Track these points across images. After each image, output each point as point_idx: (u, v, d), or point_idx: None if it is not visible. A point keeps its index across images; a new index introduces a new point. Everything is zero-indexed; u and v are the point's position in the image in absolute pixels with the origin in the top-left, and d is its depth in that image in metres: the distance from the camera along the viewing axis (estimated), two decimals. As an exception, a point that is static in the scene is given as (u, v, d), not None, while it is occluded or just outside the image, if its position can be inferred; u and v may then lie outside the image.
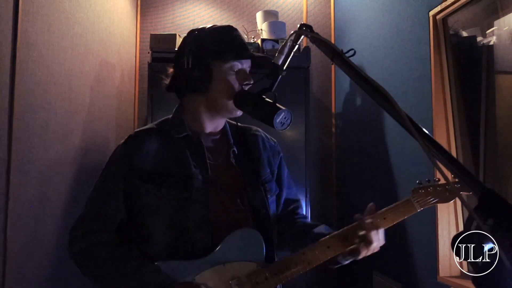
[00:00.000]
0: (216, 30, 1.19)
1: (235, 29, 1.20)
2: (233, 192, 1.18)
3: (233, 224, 1.14)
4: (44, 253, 1.63)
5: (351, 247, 1.08)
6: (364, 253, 1.06)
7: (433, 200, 1.17)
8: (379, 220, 1.10)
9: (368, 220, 1.08)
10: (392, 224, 1.13)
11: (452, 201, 1.21)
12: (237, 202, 1.18)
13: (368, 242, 1.05)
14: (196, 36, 1.17)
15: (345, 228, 1.12)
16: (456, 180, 1.16)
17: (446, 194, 1.18)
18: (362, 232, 1.06)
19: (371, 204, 1.15)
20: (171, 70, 1.21)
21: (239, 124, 1.29)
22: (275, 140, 1.35)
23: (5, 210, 1.37)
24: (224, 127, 1.26)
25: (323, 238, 1.11)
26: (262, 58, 1.21)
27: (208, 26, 1.21)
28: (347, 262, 1.11)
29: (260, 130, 1.34)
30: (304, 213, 1.36)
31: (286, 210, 1.32)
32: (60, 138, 1.77)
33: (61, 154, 1.78)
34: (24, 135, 1.48)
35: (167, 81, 1.21)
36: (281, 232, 1.27)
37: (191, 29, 1.22)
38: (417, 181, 1.20)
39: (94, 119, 2.19)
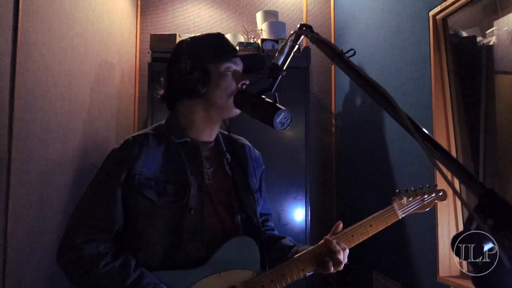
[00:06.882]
0: (206, 36, 1.24)
1: (223, 35, 1.25)
2: (227, 200, 1.20)
3: (226, 232, 1.15)
4: (44, 253, 1.62)
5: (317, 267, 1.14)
6: (332, 270, 1.13)
7: (411, 208, 1.26)
8: (346, 241, 1.16)
9: (336, 246, 1.13)
10: (377, 231, 1.20)
11: (431, 207, 1.29)
12: (230, 210, 1.19)
13: (338, 263, 1.11)
14: (189, 43, 1.20)
15: (315, 246, 1.16)
16: (431, 190, 1.28)
17: (423, 202, 1.27)
18: (332, 254, 1.12)
19: (338, 222, 1.21)
20: (163, 80, 1.23)
21: (228, 133, 1.31)
22: (259, 152, 1.38)
23: (5, 210, 1.37)
24: (217, 135, 1.27)
25: (300, 254, 1.15)
26: (257, 56, 1.24)
27: (198, 35, 1.27)
28: (310, 273, 1.16)
29: (246, 140, 1.37)
30: (273, 225, 1.39)
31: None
32: (60, 138, 1.77)
33: (61, 154, 1.78)
34: (24, 135, 1.48)
35: (161, 93, 1.23)
36: None
37: (186, 32, 1.25)
38: (397, 190, 1.28)
39: (94, 119, 2.19)
